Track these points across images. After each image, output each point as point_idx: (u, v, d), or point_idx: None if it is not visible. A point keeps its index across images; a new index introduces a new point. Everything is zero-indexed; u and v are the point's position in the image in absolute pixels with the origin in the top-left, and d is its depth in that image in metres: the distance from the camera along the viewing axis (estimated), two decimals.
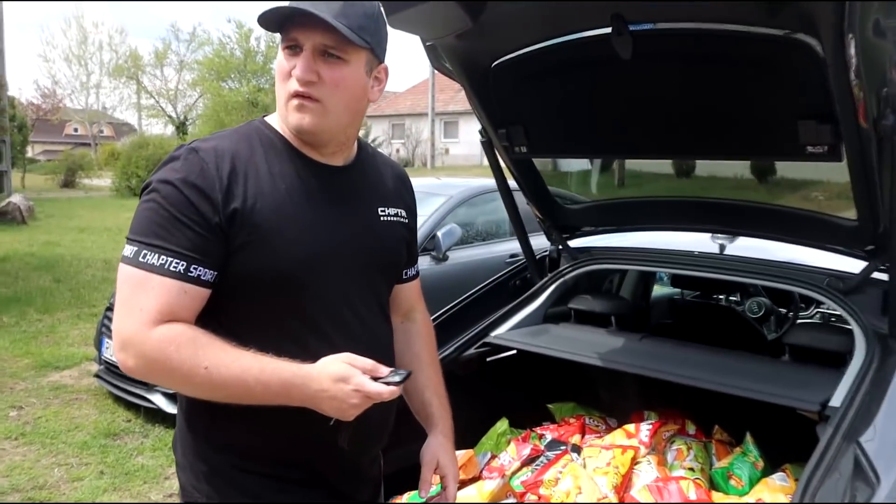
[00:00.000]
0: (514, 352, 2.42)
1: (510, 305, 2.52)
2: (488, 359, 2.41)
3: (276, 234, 1.28)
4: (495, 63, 2.06)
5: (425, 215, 5.32)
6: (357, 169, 1.44)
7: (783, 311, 3.56)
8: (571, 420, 2.36)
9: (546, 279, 2.61)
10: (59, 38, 57.33)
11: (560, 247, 2.62)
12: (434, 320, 2.39)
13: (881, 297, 1.95)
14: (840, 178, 1.86)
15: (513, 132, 2.24)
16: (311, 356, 1.25)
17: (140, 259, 1.22)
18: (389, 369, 1.27)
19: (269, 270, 1.28)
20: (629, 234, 2.72)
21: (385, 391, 1.23)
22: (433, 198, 5.60)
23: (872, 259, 1.97)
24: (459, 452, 2.06)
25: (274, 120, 1.39)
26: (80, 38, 40.90)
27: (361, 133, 1.71)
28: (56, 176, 25.62)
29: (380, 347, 1.42)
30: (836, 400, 1.73)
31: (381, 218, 1.46)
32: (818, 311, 3.61)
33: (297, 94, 1.29)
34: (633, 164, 2.66)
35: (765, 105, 1.75)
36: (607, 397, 2.60)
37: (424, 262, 4.99)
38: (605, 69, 1.90)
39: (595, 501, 1.80)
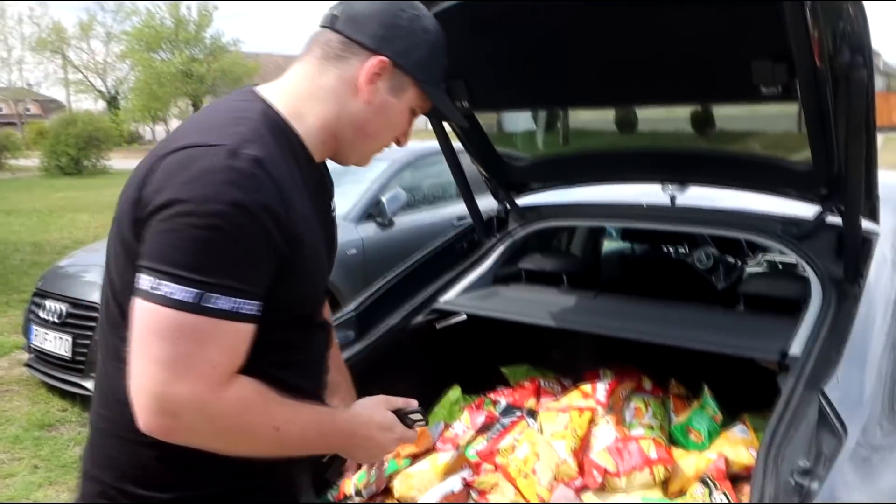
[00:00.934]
0: (465, 317, 2.34)
1: (458, 269, 2.43)
2: (438, 325, 2.33)
3: (312, 255, 1.13)
4: (433, 12, 1.91)
5: (369, 180, 5.16)
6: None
7: (731, 259, 3.55)
8: (526, 383, 2.29)
9: (494, 240, 2.53)
10: None
11: (507, 205, 2.53)
12: (380, 288, 2.30)
13: (836, 242, 1.92)
14: (793, 121, 1.80)
15: (453, 87, 2.10)
16: (302, 377, 1.19)
17: (204, 304, 0.98)
18: (413, 402, 1.33)
19: (300, 294, 1.13)
20: (577, 189, 2.64)
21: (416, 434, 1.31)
22: (377, 162, 5.40)
23: (826, 203, 1.93)
24: None
25: (283, 106, 1.16)
26: None
27: None
28: None
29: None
30: (796, 349, 1.69)
31: (332, 214, 1.34)
32: (765, 259, 3.62)
33: (384, 148, 1.29)
34: (577, 120, 2.57)
35: (717, 45, 1.66)
36: (561, 357, 2.55)
37: (370, 229, 4.86)
38: (549, 14, 1.78)
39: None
